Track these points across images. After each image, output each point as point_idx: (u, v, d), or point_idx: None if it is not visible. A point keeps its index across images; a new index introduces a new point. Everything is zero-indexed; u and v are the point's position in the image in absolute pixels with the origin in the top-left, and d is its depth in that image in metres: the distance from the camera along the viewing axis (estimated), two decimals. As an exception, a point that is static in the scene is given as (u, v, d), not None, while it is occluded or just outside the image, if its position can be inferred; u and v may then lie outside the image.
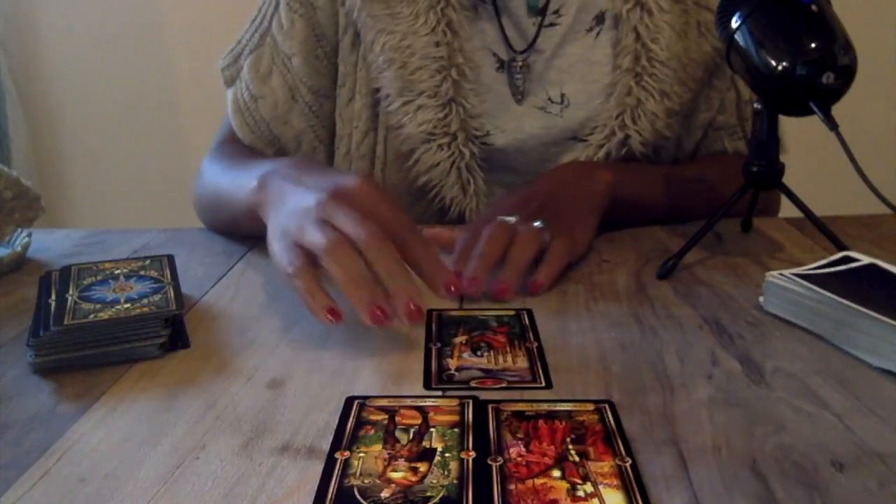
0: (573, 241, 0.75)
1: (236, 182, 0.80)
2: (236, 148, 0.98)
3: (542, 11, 0.92)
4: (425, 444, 0.47)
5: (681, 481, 0.44)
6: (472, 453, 0.46)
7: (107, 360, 0.59)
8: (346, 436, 0.48)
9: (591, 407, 0.51)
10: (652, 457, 0.46)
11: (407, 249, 0.62)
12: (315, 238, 0.60)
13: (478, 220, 0.77)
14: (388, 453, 0.46)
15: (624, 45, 0.89)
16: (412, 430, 0.49)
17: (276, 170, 0.73)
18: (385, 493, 0.43)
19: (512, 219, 0.73)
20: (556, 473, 0.44)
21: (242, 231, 0.85)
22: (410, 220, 0.64)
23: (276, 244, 0.64)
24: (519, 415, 0.50)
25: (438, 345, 0.61)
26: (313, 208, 0.62)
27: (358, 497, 0.42)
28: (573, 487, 0.43)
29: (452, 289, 0.62)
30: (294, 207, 0.65)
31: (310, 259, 0.61)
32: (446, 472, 0.44)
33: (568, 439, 0.47)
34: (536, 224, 0.73)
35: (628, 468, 0.44)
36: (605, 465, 0.45)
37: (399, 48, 0.89)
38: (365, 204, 0.63)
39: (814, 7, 0.68)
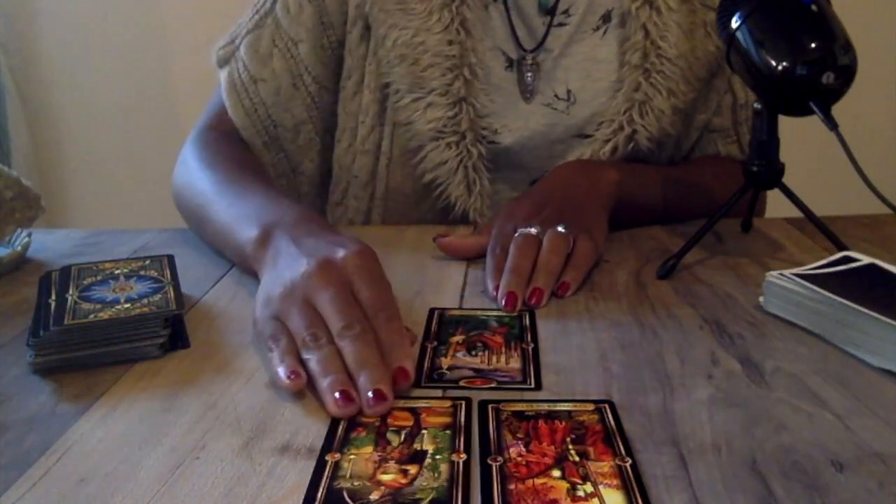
0: (594, 241, 0.75)
1: (233, 215, 0.76)
2: (225, 144, 0.93)
3: (551, 11, 0.92)
4: (416, 446, 0.47)
5: (681, 481, 0.44)
6: (464, 455, 0.46)
7: (107, 360, 0.59)
8: (337, 437, 0.48)
9: (591, 407, 0.51)
10: (652, 457, 0.46)
11: (379, 333, 0.57)
12: (295, 327, 0.58)
13: (497, 230, 0.76)
14: (379, 455, 0.46)
15: (633, 41, 0.90)
16: (403, 432, 0.49)
17: (281, 223, 0.69)
18: (374, 496, 0.43)
19: (534, 229, 0.73)
20: (556, 473, 0.44)
21: (221, 254, 0.81)
22: (393, 300, 0.60)
23: (259, 310, 0.62)
24: (519, 415, 0.50)
25: (435, 343, 0.61)
26: (298, 284, 0.60)
27: (347, 499, 0.42)
28: (573, 487, 0.43)
29: (402, 382, 0.55)
30: (283, 275, 0.62)
31: (287, 332, 0.59)
32: (436, 475, 0.44)
33: (568, 439, 0.47)
34: (560, 229, 0.73)
35: (628, 468, 0.44)
36: (604, 465, 0.45)
37: (411, 44, 0.89)
38: (350, 279, 0.60)
39: (814, 7, 0.68)
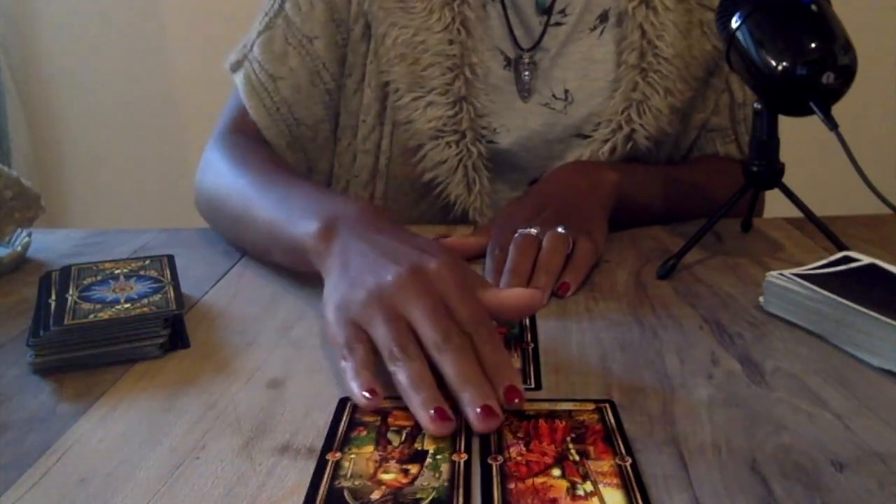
0: (594, 242, 0.75)
1: (284, 211, 0.71)
2: (252, 144, 0.91)
3: (548, 10, 0.92)
4: (417, 445, 0.47)
5: (681, 481, 0.44)
6: (465, 455, 0.46)
7: (107, 360, 0.59)
8: (338, 437, 0.48)
9: (591, 406, 0.51)
10: (652, 457, 0.46)
11: (481, 351, 0.53)
12: (381, 336, 0.53)
13: (497, 231, 0.77)
14: (380, 455, 0.46)
15: (630, 41, 0.90)
16: (404, 432, 0.49)
17: (344, 216, 0.65)
18: (375, 495, 0.43)
19: (533, 230, 0.73)
20: (556, 472, 0.44)
21: (265, 259, 0.78)
22: (490, 319, 0.55)
23: (332, 314, 0.57)
24: (519, 414, 0.50)
25: None
26: (386, 291, 0.55)
27: (348, 499, 0.42)
28: (573, 486, 0.43)
29: (516, 401, 0.51)
30: (362, 278, 0.57)
31: (365, 340, 0.55)
32: (437, 474, 0.44)
33: (568, 438, 0.47)
34: (560, 230, 0.73)
35: (628, 467, 0.44)
36: (604, 464, 0.45)
37: (411, 43, 0.89)
38: (443, 291, 0.55)
39: (814, 7, 0.68)
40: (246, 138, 0.92)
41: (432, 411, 0.49)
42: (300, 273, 0.76)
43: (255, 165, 0.84)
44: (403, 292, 0.54)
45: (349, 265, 0.59)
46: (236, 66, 0.95)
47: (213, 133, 0.95)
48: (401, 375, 0.51)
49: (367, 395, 0.51)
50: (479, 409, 0.49)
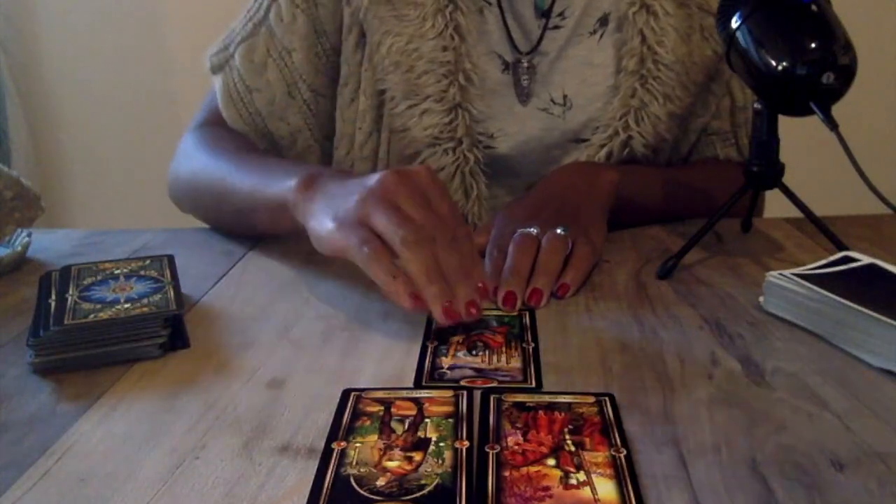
0: (593, 243, 0.75)
1: (263, 176, 0.77)
2: (228, 133, 0.95)
3: (546, 13, 0.92)
4: (420, 434, 0.48)
5: (681, 481, 0.44)
6: (466, 443, 0.47)
7: (107, 360, 0.59)
8: (342, 427, 0.49)
9: (591, 399, 0.51)
10: (652, 456, 0.46)
11: (461, 248, 0.62)
12: (387, 224, 0.60)
13: (496, 232, 0.77)
14: (384, 443, 0.47)
15: (629, 47, 0.89)
16: (407, 421, 0.49)
17: (320, 172, 0.70)
18: (381, 482, 0.43)
19: (533, 230, 0.73)
20: (551, 462, 0.45)
21: (244, 226, 0.83)
22: (461, 213, 0.64)
23: (332, 224, 0.63)
24: (519, 406, 0.50)
25: (435, 343, 0.61)
26: (377, 188, 0.62)
27: (354, 486, 0.43)
28: (566, 475, 0.43)
29: (473, 311, 0.61)
30: (350, 191, 0.63)
31: (381, 239, 0.61)
32: (440, 461, 0.45)
33: (565, 430, 0.48)
34: (559, 231, 0.73)
35: (622, 459, 0.45)
36: (599, 456, 0.45)
37: (406, 51, 0.89)
38: (426, 189, 0.63)
39: (814, 7, 0.68)
40: (222, 128, 0.95)
41: (447, 303, 0.59)
42: (300, 273, 0.76)
43: (234, 145, 0.90)
44: (392, 186, 0.61)
45: (333, 196, 0.65)
46: (217, 69, 0.97)
47: (191, 125, 0.98)
48: (412, 266, 0.59)
49: (416, 304, 0.59)
50: (465, 305, 0.60)
